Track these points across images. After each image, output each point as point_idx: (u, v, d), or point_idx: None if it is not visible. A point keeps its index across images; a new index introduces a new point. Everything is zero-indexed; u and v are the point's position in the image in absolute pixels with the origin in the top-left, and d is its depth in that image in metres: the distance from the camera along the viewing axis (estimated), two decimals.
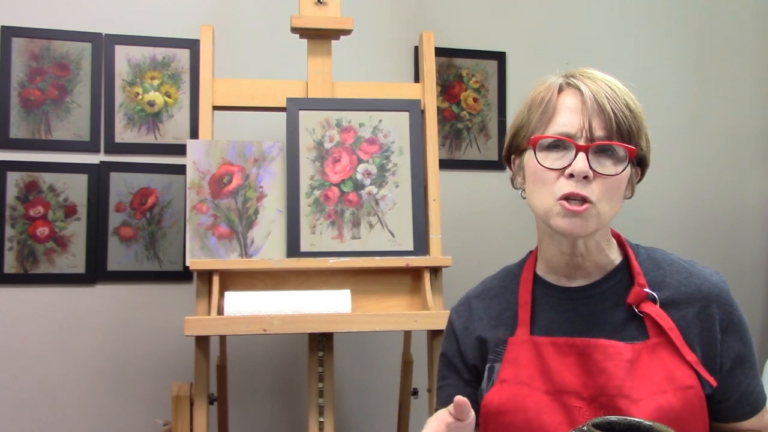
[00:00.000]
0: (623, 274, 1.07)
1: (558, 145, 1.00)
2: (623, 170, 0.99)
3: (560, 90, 1.03)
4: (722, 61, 2.63)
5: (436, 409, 1.17)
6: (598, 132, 0.98)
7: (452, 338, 1.17)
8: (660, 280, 1.06)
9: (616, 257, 1.08)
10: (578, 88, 1.01)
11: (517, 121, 1.07)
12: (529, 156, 1.03)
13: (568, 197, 0.98)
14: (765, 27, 2.68)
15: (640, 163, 1.05)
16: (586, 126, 0.98)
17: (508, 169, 1.13)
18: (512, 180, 1.11)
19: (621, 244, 1.10)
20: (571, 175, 0.97)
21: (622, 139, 0.99)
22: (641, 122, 1.02)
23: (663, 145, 2.52)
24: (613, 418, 0.87)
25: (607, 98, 0.99)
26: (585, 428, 0.86)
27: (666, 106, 2.56)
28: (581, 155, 0.97)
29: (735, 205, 2.63)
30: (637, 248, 1.11)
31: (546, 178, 1.00)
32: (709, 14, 2.62)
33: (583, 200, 0.98)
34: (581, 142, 0.98)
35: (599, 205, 0.98)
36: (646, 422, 0.86)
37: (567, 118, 1.00)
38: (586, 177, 0.97)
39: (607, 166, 0.98)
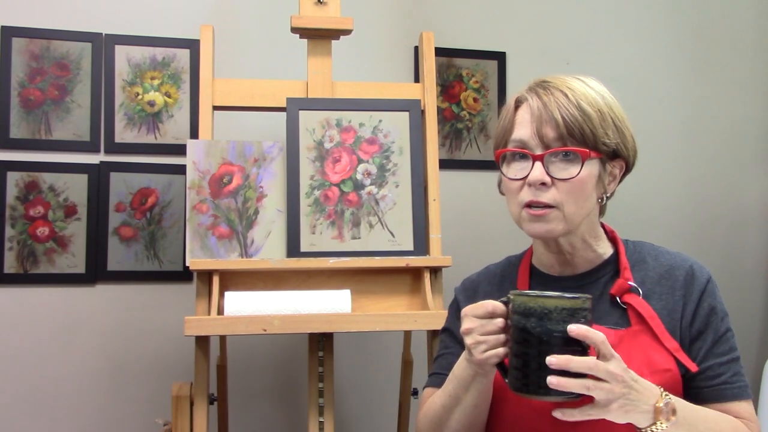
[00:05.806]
0: (612, 266, 1.14)
1: (520, 156, 1.08)
2: (579, 172, 1.04)
3: (516, 106, 1.11)
4: (722, 61, 2.63)
5: (433, 373, 1.24)
6: (551, 139, 1.05)
7: (458, 316, 1.22)
8: (644, 272, 1.13)
9: (605, 251, 1.15)
10: (528, 102, 1.09)
11: (496, 133, 1.16)
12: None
13: (530, 205, 1.07)
14: (765, 27, 2.67)
15: (616, 156, 1.10)
16: (536, 136, 1.06)
17: None
18: (499, 185, 1.18)
19: (615, 239, 1.17)
20: (530, 184, 1.06)
21: (575, 143, 1.05)
22: (599, 121, 1.06)
23: (663, 144, 2.56)
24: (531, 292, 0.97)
25: (558, 106, 1.05)
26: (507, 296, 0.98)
27: (666, 105, 2.56)
28: (537, 164, 1.05)
29: (735, 205, 2.62)
30: (626, 243, 1.17)
31: (512, 188, 1.09)
32: (709, 14, 2.62)
33: (545, 206, 1.06)
34: (537, 151, 1.06)
35: (563, 207, 1.05)
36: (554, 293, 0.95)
37: (521, 131, 1.08)
38: (544, 184, 1.05)
39: (564, 170, 1.05)
